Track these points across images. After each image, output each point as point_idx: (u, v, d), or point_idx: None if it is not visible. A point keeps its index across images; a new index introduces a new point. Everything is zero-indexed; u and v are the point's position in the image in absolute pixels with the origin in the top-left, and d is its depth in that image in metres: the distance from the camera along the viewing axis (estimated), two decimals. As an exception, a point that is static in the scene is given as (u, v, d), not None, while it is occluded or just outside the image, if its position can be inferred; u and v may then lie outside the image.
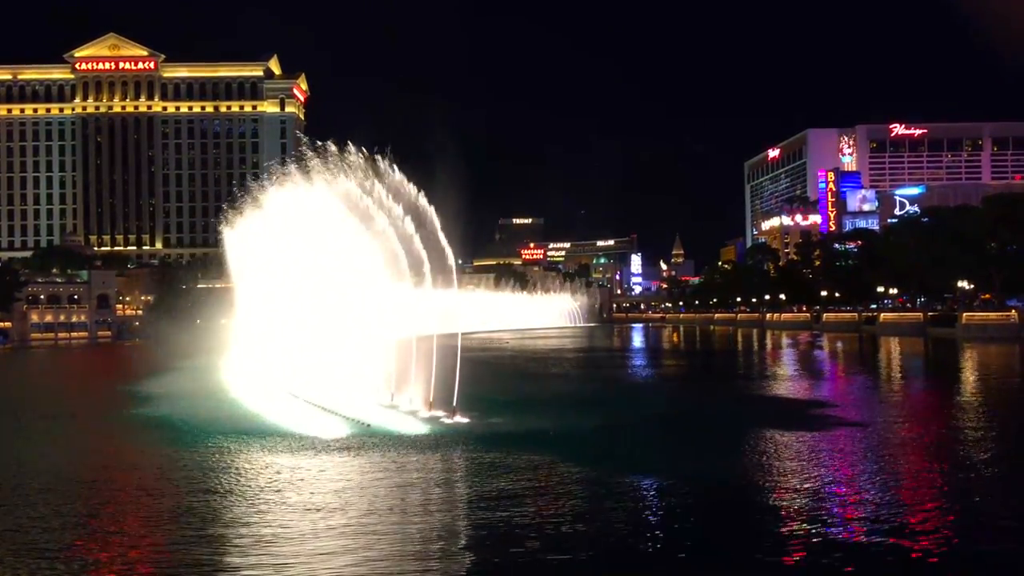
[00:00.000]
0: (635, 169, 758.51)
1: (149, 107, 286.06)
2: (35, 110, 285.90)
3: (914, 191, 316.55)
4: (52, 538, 23.83)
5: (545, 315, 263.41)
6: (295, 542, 23.20)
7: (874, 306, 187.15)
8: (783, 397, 55.53)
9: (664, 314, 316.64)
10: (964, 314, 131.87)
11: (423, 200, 49.25)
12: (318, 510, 26.43)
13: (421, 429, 40.53)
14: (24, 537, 23.97)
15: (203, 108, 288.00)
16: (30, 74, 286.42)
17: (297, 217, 63.81)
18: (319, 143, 53.89)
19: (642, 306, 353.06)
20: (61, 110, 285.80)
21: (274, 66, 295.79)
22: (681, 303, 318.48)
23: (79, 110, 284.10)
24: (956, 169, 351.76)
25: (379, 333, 56.37)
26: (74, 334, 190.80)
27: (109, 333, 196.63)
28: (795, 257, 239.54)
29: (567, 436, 39.00)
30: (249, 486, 29.92)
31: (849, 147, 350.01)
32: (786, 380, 70.23)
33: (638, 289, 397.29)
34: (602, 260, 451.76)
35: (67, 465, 35.17)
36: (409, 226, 50.40)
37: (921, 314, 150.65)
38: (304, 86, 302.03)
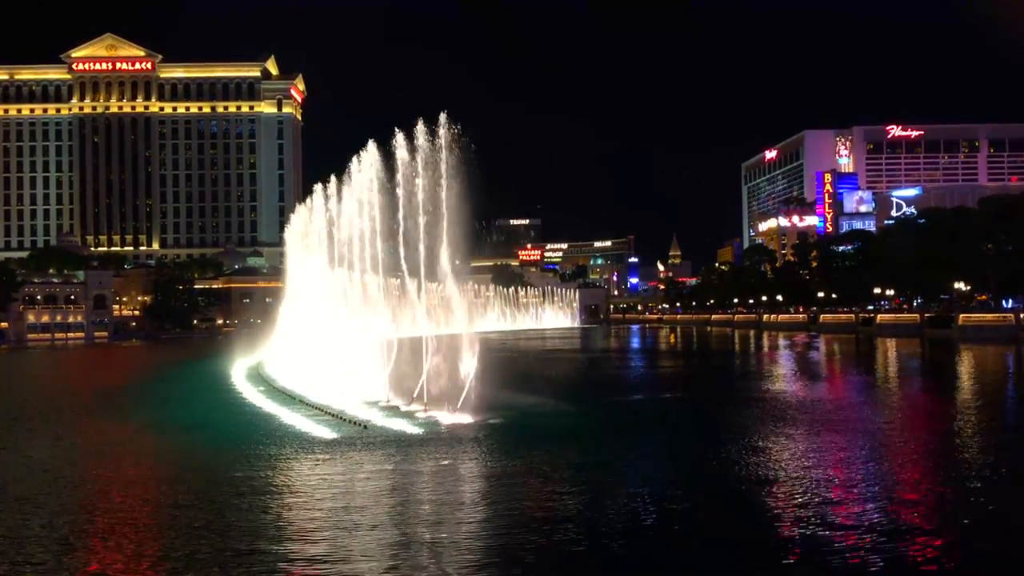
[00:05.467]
0: (633, 170, 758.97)
1: (146, 107, 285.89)
2: (32, 110, 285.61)
3: (911, 192, 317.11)
4: None
5: (542, 316, 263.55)
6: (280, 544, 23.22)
7: (871, 307, 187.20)
8: (780, 399, 55.52)
9: (661, 315, 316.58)
10: (961, 315, 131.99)
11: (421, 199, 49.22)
12: (305, 512, 26.47)
13: (419, 429, 40.53)
14: None
15: (200, 108, 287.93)
16: (27, 74, 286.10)
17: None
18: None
19: (639, 307, 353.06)
20: (58, 110, 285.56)
21: (271, 67, 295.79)
22: (678, 304, 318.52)
23: (76, 110, 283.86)
24: (952, 171, 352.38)
25: (375, 333, 56.42)
26: (71, 334, 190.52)
27: (106, 333, 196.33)
28: (792, 258, 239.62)
29: (566, 435, 39.04)
30: (222, 490, 29.91)
31: (846, 148, 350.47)
32: (782, 381, 70.27)
33: (635, 290, 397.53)
34: (599, 261, 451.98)
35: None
36: (408, 226, 50.41)
37: (918, 315, 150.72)
38: (301, 87, 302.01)
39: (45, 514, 26.39)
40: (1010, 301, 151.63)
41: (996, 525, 24.71)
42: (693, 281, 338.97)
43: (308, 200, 78.41)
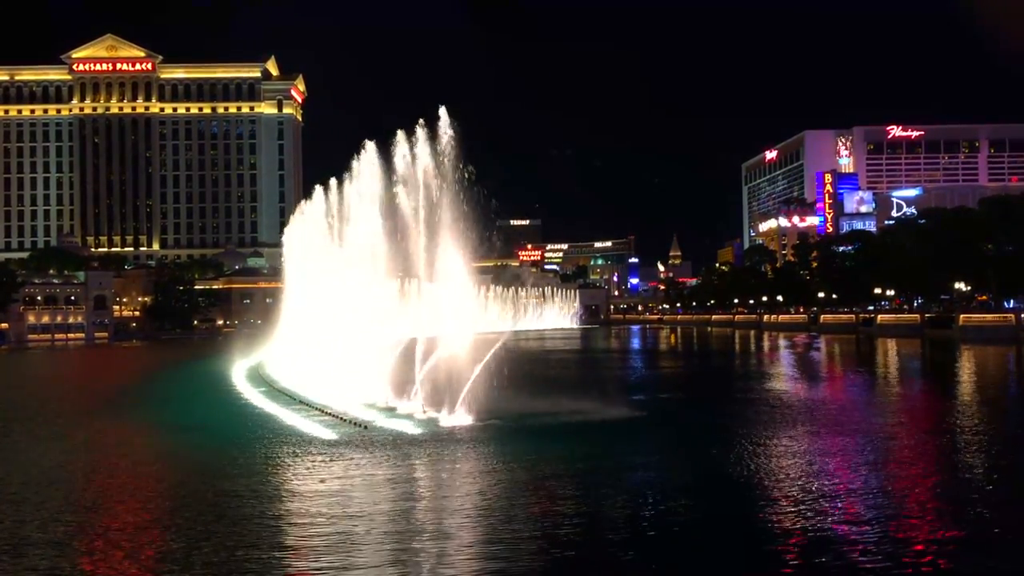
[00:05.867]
0: (633, 170, 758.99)
1: (146, 108, 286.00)
2: (32, 111, 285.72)
3: (911, 193, 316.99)
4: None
5: (542, 317, 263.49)
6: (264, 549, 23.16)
7: (871, 308, 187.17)
8: (782, 400, 55.44)
9: (662, 316, 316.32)
10: (961, 315, 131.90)
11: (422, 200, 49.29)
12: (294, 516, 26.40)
13: (419, 430, 40.48)
14: None
15: (200, 109, 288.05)
16: (27, 75, 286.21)
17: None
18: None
19: (640, 308, 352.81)
20: (58, 111, 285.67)
21: (272, 67, 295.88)
22: (679, 305, 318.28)
23: (76, 111, 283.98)
24: (953, 171, 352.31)
25: (376, 334, 56.34)
26: (71, 335, 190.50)
27: (106, 334, 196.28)
28: (792, 259, 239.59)
29: (565, 436, 38.91)
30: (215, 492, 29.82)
31: (846, 149, 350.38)
32: (783, 382, 70.18)
33: (636, 291, 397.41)
34: (600, 261, 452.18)
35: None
36: (408, 227, 50.47)
37: (918, 316, 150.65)
38: (302, 87, 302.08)
39: (40, 516, 26.27)
40: (1011, 301, 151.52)
41: (1003, 530, 24.64)
42: (693, 282, 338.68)
43: (306, 203, 78.62)
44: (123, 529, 24.91)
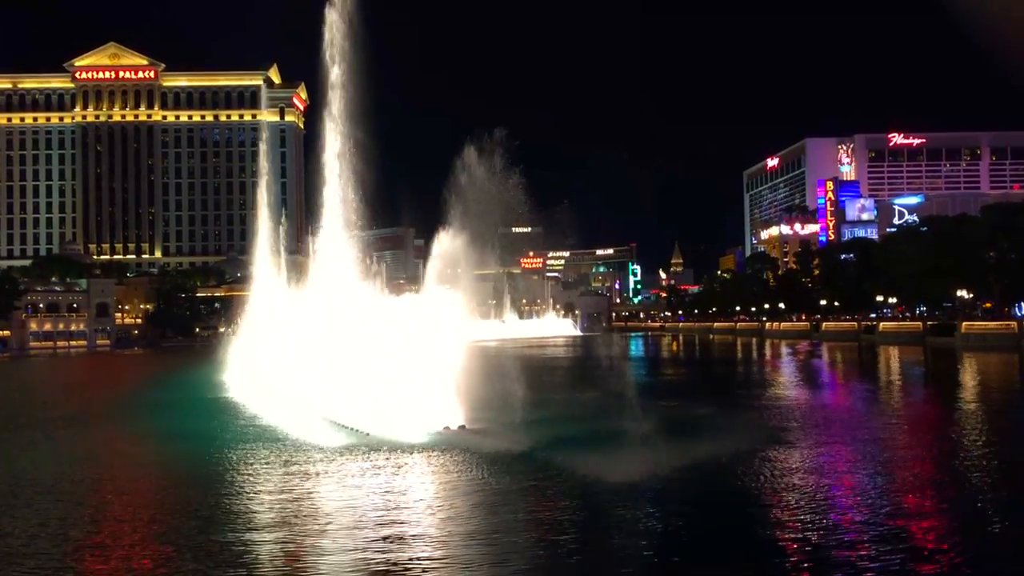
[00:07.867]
0: (634, 178, 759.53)
1: (149, 116, 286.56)
2: (35, 119, 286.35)
3: (912, 200, 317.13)
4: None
5: (544, 324, 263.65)
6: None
7: (873, 315, 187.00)
8: (785, 407, 55.34)
9: (663, 323, 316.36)
10: (963, 323, 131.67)
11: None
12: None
13: (421, 439, 40.34)
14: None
15: (203, 117, 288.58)
16: (30, 83, 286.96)
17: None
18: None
19: (641, 315, 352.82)
20: (61, 119, 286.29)
21: (274, 75, 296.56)
22: (680, 312, 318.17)
23: (79, 119, 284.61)
24: (954, 178, 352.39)
25: (377, 341, 56.29)
26: (73, 343, 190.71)
27: (108, 341, 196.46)
28: (794, 266, 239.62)
29: (565, 444, 38.75)
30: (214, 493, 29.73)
31: (848, 156, 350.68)
32: (785, 389, 70.07)
33: (637, 298, 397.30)
34: (601, 269, 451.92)
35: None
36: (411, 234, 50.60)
37: (920, 323, 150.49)
38: (304, 95, 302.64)
39: (26, 527, 26.07)
40: (1021, 308, 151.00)
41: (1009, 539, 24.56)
42: (695, 289, 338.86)
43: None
44: (113, 539, 24.72)
